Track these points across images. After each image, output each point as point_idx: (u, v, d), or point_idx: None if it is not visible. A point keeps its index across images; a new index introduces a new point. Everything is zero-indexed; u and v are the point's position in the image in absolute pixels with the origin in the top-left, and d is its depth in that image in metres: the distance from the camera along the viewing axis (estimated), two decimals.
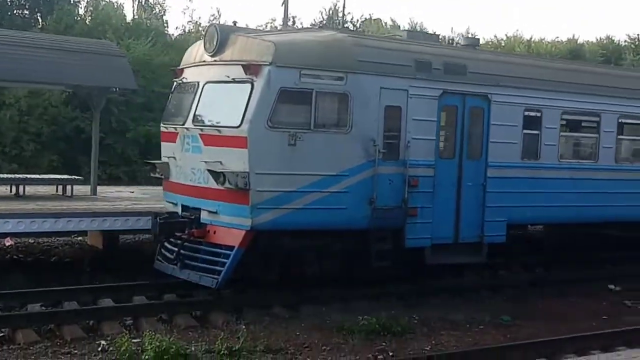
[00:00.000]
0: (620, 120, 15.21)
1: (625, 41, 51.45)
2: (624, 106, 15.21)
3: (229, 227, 11.57)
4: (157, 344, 9.14)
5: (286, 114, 11.53)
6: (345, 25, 49.93)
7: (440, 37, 18.90)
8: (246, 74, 11.46)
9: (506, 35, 51.56)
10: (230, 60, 11.87)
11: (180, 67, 13.30)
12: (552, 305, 13.55)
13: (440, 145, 12.93)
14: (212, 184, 11.63)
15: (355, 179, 11.95)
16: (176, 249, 12.09)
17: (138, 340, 9.79)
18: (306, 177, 11.60)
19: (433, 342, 10.79)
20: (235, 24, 16.14)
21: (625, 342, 10.90)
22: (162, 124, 13.37)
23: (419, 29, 48.77)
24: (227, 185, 11.30)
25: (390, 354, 10.03)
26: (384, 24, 49.10)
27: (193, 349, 9.60)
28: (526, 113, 13.82)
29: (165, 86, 26.61)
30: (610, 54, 48.30)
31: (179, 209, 12.56)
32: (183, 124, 12.39)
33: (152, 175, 13.55)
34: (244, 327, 10.89)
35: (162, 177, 13.09)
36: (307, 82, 11.56)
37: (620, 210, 15.16)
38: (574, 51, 46.60)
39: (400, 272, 13.10)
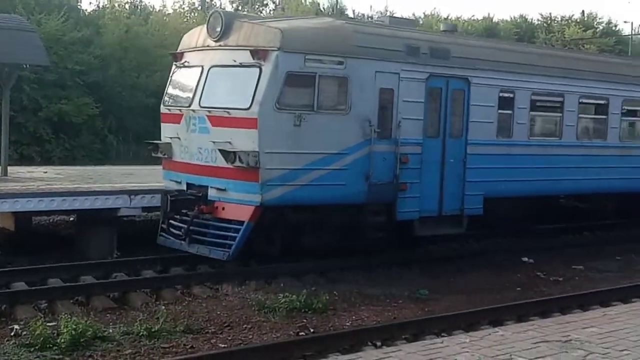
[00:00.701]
0: (580, 101, 16.46)
1: (538, 20, 54.50)
2: (583, 87, 16.46)
3: (238, 203, 12.30)
4: (74, 327, 8.97)
5: (292, 97, 12.30)
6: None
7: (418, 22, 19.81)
8: (254, 58, 12.17)
9: (424, 13, 53.52)
10: (237, 46, 12.56)
11: (180, 51, 13.89)
12: (467, 278, 13.83)
13: (427, 125, 13.88)
14: (221, 162, 12.34)
15: (353, 156, 12.83)
16: (185, 225, 12.77)
17: (53, 323, 9.63)
18: (310, 155, 12.42)
19: (354, 317, 10.94)
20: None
21: (539, 312, 11.31)
22: (163, 106, 13.95)
23: (339, 7, 50.01)
24: (237, 163, 12.03)
25: (312, 330, 10.15)
26: (303, 1, 49.75)
27: (111, 331, 9.57)
28: (501, 94, 14.90)
29: (80, 63, 26.73)
30: (523, 32, 50.48)
31: (183, 187, 13.21)
32: (189, 106, 13.02)
33: (153, 155, 14.13)
34: (163, 307, 10.81)
35: (165, 156, 13.69)
36: (311, 66, 12.35)
37: (581, 183, 16.45)
38: (489, 29, 48.25)
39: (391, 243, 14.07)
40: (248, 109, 12.04)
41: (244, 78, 12.34)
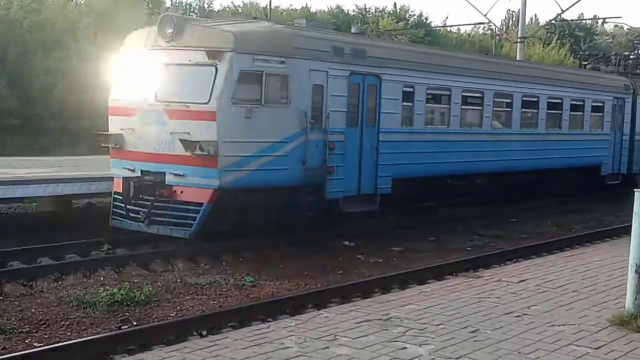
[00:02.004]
0: (463, 94, 19.09)
1: (353, 11, 56.74)
2: (466, 82, 19.09)
3: (197, 187, 13.81)
4: None
5: (244, 92, 13.93)
6: None
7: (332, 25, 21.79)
8: (209, 58, 13.70)
9: (243, 2, 54.01)
10: (190, 46, 14.02)
11: (127, 49, 15.12)
12: (291, 264, 14.05)
13: (349, 116, 15.91)
14: (179, 150, 13.80)
15: (293, 144, 14.65)
16: (146, 209, 14.12)
17: None
18: (259, 144, 14.13)
19: (178, 308, 10.89)
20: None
21: (361, 293, 11.70)
22: (112, 100, 15.14)
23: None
24: (198, 152, 13.55)
25: (135, 323, 9.99)
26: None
27: None
28: (404, 89, 17.18)
29: None
30: (340, 22, 50.76)
31: (137, 174, 14.50)
32: (144, 101, 14.33)
33: (103, 145, 15.28)
34: None
35: (116, 146, 14.90)
36: (259, 65, 14.04)
37: (462, 165, 19.10)
38: (307, 19, 49.77)
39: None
40: (207, 103, 13.57)
41: (200, 76, 13.83)
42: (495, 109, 20.34)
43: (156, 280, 12.38)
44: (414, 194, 18.36)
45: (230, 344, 7.45)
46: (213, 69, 13.66)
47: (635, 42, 79.79)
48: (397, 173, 17.01)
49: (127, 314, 10.40)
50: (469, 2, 36.24)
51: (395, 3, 66.66)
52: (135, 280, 12.19)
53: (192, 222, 13.78)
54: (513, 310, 9.09)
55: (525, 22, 32.84)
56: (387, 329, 8.06)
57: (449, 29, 56.38)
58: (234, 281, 12.58)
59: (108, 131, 15.24)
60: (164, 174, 14.13)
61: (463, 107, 19.16)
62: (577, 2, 31.78)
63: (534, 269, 11.95)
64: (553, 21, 41.55)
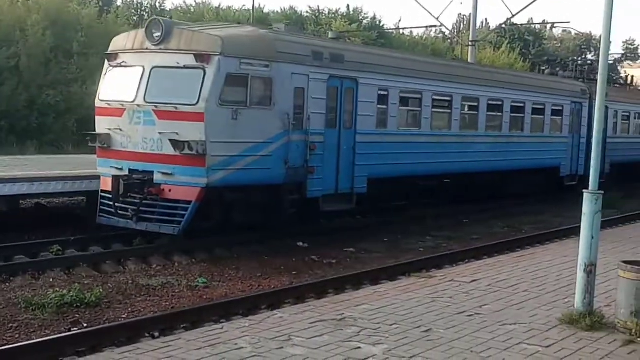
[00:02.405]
0: (434, 97, 19.87)
1: (307, 12, 55.59)
2: (436, 87, 19.87)
3: (185, 185, 14.31)
4: None
5: (230, 94, 14.48)
6: None
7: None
8: (197, 61, 14.22)
9: (195, 1, 52.78)
10: (178, 50, 14.52)
11: (113, 51, 15.56)
12: (245, 265, 14.10)
13: (328, 118, 16.54)
14: (167, 150, 14.30)
15: (276, 145, 15.23)
16: (135, 206, 14.57)
17: None
18: (244, 144, 14.69)
19: (130, 309, 10.78)
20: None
21: (315, 293, 11.76)
22: (99, 100, 15.56)
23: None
24: (186, 151, 14.06)
25: (85, 325, 9.88)
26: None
27: None
28: (379, 92, 17.88)
29: None
30: (294, 24, 48.21)
31: (125, 172, 14.93)
32: (133, 101, 14.79)
33: (91, 144, 15.69)
34: None
35: (105, 146, 15.32)
36: (245, 68, 14.60)
37: (436, 166, 19.88)
38: (259, 20, 47.07)
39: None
40: (195, 104, 14.09)
41: (189, 78, 14.33)
42: (462, 112, 21.16)
43: (107, 281, 12.28)
44: (388, 193, 19.07)
45: (184, 345, 7.47)
46: (201, 71, 14.18)
47: (582, 46, 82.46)
48: (372, 173, 17.69)
49: (77, 315, 10.28)
50: (422, 5, 37.19)
51: (348, 5, 68.00)
52: (86, 282, 12.05)
53: (180, 219, 14.28)
54: (465, 309, 9.25)
55: (476, 26, 33.34)
56: (341, 329, 8.13)
57: (401, 31, 56.53)
58: (187, 282, 12.49)
59: (95, 131, 15.67)
60: (152, 172, 14.58)
61: (433, 110, 19.93)
62: (526, 7, 33.40)
63: (486, 269, 12.11)
64: (503, 25, 42.33)
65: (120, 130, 15.06)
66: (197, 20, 45.09)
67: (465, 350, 7.62)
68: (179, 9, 51.36)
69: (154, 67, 14.74)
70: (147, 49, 14.91)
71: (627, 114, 31.88)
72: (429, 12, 60.38)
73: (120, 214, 14.84)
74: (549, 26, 68.49)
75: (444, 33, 65.79)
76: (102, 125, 15.49)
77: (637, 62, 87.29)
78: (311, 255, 15.32)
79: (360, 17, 55.85)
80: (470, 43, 31.89)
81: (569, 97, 26.73)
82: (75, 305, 10.57)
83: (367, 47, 25.87)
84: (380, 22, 57.60)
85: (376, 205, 19.65)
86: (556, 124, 26.14)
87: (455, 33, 63.93)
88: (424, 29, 63.94)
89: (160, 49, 14.72)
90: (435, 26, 46.71)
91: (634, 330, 8.29)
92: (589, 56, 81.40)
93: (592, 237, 8.78)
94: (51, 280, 12.13)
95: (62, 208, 18.01)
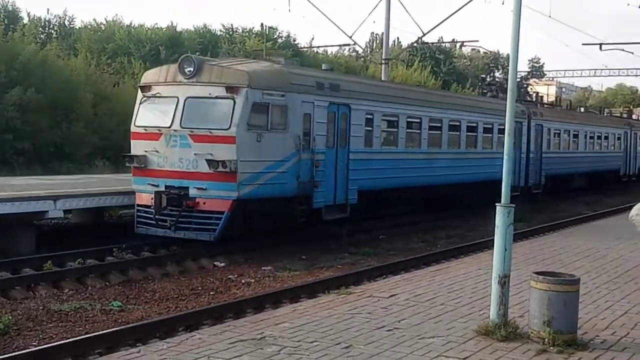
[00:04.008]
0: (407, 120, 22.79)
1: (220, 31, 56.03)
2: (409, 110, 22.82)
3: (218, 198, 16.76)
4: None
5: (255, 120, 17.03)
6: None
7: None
8: (228, 92, 16.74)
9: (106, 19, 52.18)
10: (210, 82, 17.00)
11: (147, 84, 17.92)
12: (161, 286, 14.10)
13: (328, 139, 19.22)
14: (202, 168, 16.73)
15: (290, 163, 17.83)
16: (174, 217, 16.91)
17: None
18: (266, 162, 17.24)
19: (41, 336, 10.50)
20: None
21: (234, 313, 11.67)
22: (135, 126, 17.87)
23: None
24: (220, 169, 16.53)
25: None
26: None
27: None
28: (366, 116, 20.69)
29: None
30: (207, 42, 51.45)
31: (161, 189, 17.24)
32: (169, 127, 17.17)
33: (128, 165, 17.98)
34: None
35: (142, 166, 17.61)
36: (266, 98, 17.19)
37: (409, 179, 22.77)
38: (172, 38, 48.84)
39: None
40: (228, 129, 16.60)
41: (221, 106, 16.85)
42: (430, 132, 24.16)
43: (16, 308, 11.95)
44: (373, 203, 21.85)
45: None
46: (231, 101, 16.70)
47: (491, 64, 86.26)
48: (362, 186, 20.44)
49: None
50: (335, 24, 39.23)
51: (262, 23, 67.25)
52: None
53: (215, 227, 16.69)
54: (384, 324, 9.25)
55: (388, 45, 33.94)
56: (262, 348, 8.05)
57: (315, 50, 57.04)
58: (101, 306, 12.26)
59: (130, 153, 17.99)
60: (187, 188, 16.96)
61: (407, 130, 22.85)
62: (436, 26, 36.35)
63: (403, 284, 12.10)
64: (415, 44, 43.42)
65: (157, 152, 17.39)
66: (108, 38, 47.02)
67: None
68: (89, 27, 51.32)
69: (187, 97, 17.16)
70: (180, 81, 17.33)
71: (558, 131, 35.57)
72: (343, 31, 60.20)
73: (159, 224, 17.15)
74: (458, 45, 71.53)
75: (357, 51, 68.17)
76: (138, 147, 17.79)
77: (542, 79, 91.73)
78: (229, 275, 15.51)
79: (275, 36, 56.11)
80: (383, 61, 32.47)
81: None
82: None
83: (357, 77, 28.86)
84: (294, 40, 58.59)
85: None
86: (502, 141, 29.34)
87: (369, 51, 66.35)
88: (338, 47, 65.01)
89: (193, 82, 17.16)
90: (348, 44, 46.07)
91: (546, 340, 8.39)
92: (497, 74, 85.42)
93: (505, 250, 8.87)
94: None
95: None
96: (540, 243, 17.80)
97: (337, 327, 9.09)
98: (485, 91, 36.22)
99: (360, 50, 55.08)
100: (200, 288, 14.15)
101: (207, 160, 16.59)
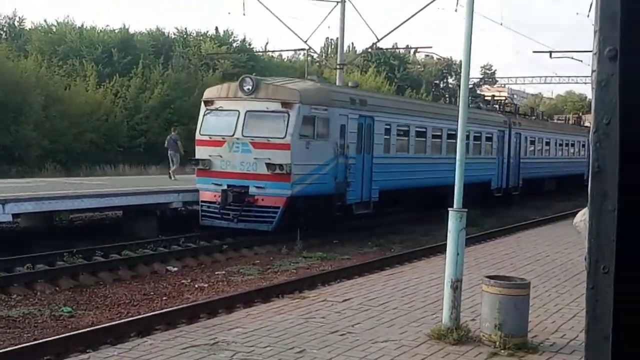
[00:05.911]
0: (416, 129, 26.37)
1: (174, 34, 56.20)
2: (419, 121, 26.41)
3: (274, 195, 20.11)
4: None
5: (305, 130, 20.44)
6: None
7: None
8: (282, 107, 20.12)
9: (57, 21, 52.07)
10: (266, 98, 20.37)
11: (210, 99, 21.22)
12: (112, 292, 13.84)
13: (357, 146, 22.68)
14: (260, 170, 20.07)
15: (330, 166, 21.26)
16: (237, 211, 20.21)
17: None
18: (313, 165, 20.65)
19: None
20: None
21: (187, 318, 11.38)
22: (200, 135, 21.15)
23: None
24: (277, 171, 19.88)
25: None
26: None
27: None
28: (385, 126, 24.21)
29: None
30: (161, 45, 51.77)
31: (224, 188, 20.52)
32: (232, 135, 20.47)
33: (193, 167, 21.26)
34: None
35: (207, 168, 20.86)
36: (313, 112, 20.60)
37: (417, 181, 26.33)
38: (125, 41, 48.90)
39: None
40: (284, 137, 19.97)
41: (277, 119, 20.21)
42: (432, 140, 27.78)
43: None
44: (390, 201, 25.39)
45: None
46: (286, 114, 20.09)
47: (444, 70, 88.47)
48: (382, 186, 23.94)
49: None
50: (290, 29, 41.36)
51: (217, 27, 67.98)
52: None
53: (272, 219, 20.05)
54: (338, 329, 9.26)
55: (343, 50, 34.12)
56: (215, 354, 7.94)
57: (270, 54, 57.05)
58: (50, 312, 11.94)
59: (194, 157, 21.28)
60: (247, 187, 20.28)
61: (416, 138, 26.43)
62: (391, 32, 37.65)
63: (357, 289, 12.09)
64: (369, 49, 42.87)
65: (220, 156, 20.69)
66: (59, 40, 47.26)
67: None
68: (39, 28, 51.32)
69: (247, 111, 20.50)
70: (240, 97, 20.67)
71: (534, 139, 39.49)
72: (298, 36, 61.75)
73: (224, 217, 20.43)
74: (412, 51, 70.80)
75: (312, 56, 70.30)
76: (202, 152, 21.07)
77: (494, 85, 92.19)
78: (182, 279, 15.44)
79: (230, 40, 56.38)
80: (338, 66, 32.75)
81: (496, 126, 33.88)
82: None
83: (379, 94, 32.43)
84: (250, 44, 58.71)
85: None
86: (489, 148, 33.21)
87: (324, 56, 66.00)
88: (293, 52, 63.91)
89: (252, 98, 20.51)
90: (303, 49, 44.28)
91: (497, 343, 8.42)
92: (450, 80, 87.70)
93: (458, 254, 8.90)
94: None
95: None
96: (490, 247, 18.23)
97: (290, 332, 9.05)
98: (439, 95, 39.53)
99: (316, 56, 55.61)
100: (152, 293, 14.03)
101: (266, 163, 19.94)
